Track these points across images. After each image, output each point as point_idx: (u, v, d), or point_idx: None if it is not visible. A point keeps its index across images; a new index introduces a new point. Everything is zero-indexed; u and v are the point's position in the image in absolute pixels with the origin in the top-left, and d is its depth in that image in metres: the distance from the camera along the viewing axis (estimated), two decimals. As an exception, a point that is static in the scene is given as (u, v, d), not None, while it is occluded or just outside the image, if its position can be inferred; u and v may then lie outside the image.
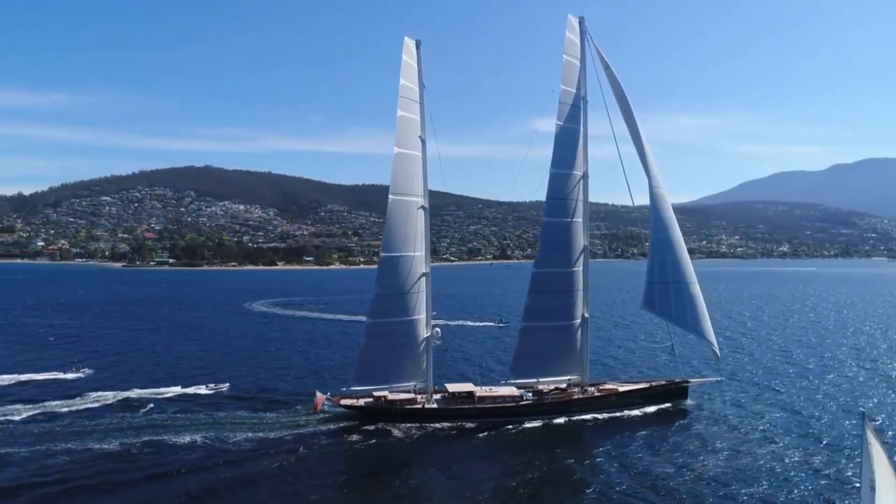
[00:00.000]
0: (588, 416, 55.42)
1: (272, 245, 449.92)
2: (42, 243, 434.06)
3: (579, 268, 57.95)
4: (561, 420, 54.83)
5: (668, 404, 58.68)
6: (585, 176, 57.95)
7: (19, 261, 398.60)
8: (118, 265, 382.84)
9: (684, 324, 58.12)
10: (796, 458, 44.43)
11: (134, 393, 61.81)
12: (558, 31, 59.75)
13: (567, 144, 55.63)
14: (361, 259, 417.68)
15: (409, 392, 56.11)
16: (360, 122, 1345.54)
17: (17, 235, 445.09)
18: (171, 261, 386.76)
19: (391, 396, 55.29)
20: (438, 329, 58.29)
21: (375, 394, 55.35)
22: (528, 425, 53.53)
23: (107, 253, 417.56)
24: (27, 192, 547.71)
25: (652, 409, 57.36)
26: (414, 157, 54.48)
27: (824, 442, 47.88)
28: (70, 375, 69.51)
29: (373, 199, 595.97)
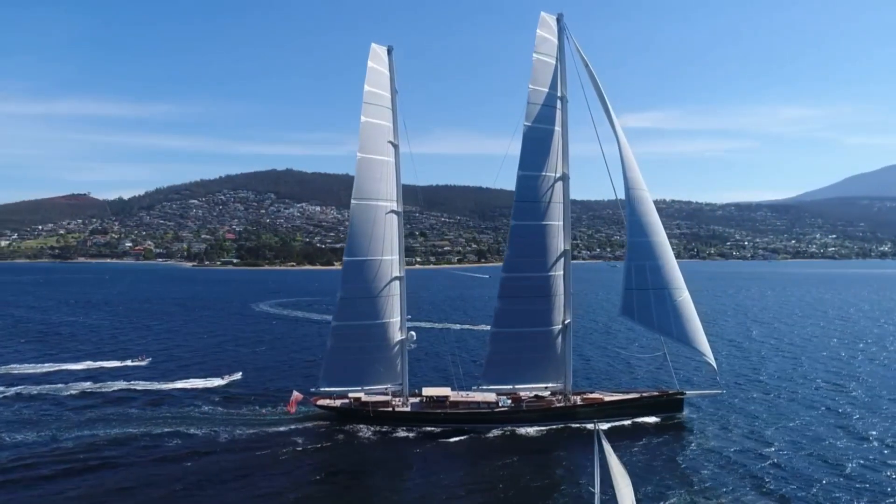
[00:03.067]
0: (568, 426, 53.65)
1: (339, 245, 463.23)
2: (130, 244, 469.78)
3: (557, 272, 56.15)
4: (538, 429, 53.44)
5: (660, 417, 55.88)
6: (565, 178, 56.07)
7: (108, 260, 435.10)
8: (189, 265, 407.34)
9: (668, 332, 55.04)
10: (795, 487, 40.69)
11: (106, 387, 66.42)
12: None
13: (537, 146, 54.02)
14: (417, 259, 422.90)
15: (385, 394, 56.56)
16: (444, 122, 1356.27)
17: (110, 237, 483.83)
18: (235, 261, 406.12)
19: (366, 398, 55.93)
20: (413, 333, 58.38)
21: (351, 395, 56.19)
22: (502, 432, 52.68)
23: (185, 253, 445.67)
24: (126, 196, 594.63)
25: (642, 421, 54.82)
26: (381, 162, 54.71)
27: (830, 469, 43.64)
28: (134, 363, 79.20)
29: (445, 199, 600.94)
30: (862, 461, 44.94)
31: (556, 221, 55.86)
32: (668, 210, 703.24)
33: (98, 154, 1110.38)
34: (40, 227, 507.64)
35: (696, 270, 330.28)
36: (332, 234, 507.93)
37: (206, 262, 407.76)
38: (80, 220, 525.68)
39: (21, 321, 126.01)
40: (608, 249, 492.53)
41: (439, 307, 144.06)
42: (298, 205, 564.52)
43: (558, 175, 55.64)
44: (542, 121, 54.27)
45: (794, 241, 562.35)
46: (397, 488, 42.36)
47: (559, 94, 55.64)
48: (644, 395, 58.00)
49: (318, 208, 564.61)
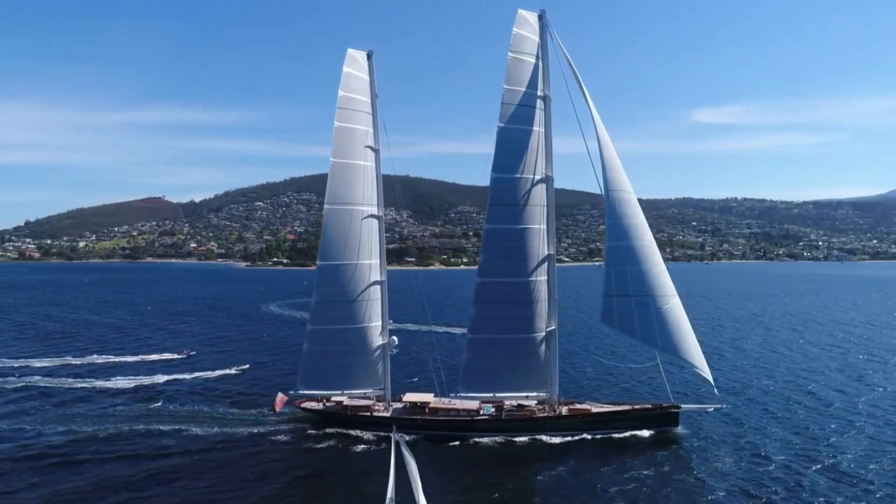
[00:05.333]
0: (553, 438, 51.87)
1: (391, 246, 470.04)
2: (194, 244, 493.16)
3: (540, 277, 54.31)
4: (521, 439, 51.96)
5: (653, 431, 53.27)
6: (548, 180, 54.23)
7: (173, 260, 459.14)
8: (243, 265, 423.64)
9: (653, 342, 52.26)
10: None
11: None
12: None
13: (512, 147, 52.36)
14: (464, 260, 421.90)
15: (367, 399, 56.57)
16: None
17: (177, 238, 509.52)
18: (284, 261, 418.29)
19: (348, 402, 56.10)
20: (395, 338, 58.11)
21: (335, 398, 56.50)
22: (483, 441, 51.53)
23: (242, 254, 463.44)
24: (198, 199, 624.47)
25: (632, 435, 52.42)
26: (356, 166, 54.56)
27: (837, 495, 40.02)
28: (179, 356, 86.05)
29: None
30: (870, 486, 41.32)
31: (537, 225, 54.00)
32: (739, 209, 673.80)
33: (175, 158, 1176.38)
34: (116, 229, 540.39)
35: (751, 272, 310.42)
36: (387, 234, 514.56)
37: (259, 263, 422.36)
38: (153, 222, 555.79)
39: (47, 319, 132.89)
40: (667, 249, 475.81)
41: (443, 309, 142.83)
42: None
43: (539, 177, 53.79)
44: (517, 121, 52.59)
45: (875, 241, 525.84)
46: (356, 492, 41.91)
47: (540, 94, 53.77)
48: (636, 407, 55.33)
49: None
